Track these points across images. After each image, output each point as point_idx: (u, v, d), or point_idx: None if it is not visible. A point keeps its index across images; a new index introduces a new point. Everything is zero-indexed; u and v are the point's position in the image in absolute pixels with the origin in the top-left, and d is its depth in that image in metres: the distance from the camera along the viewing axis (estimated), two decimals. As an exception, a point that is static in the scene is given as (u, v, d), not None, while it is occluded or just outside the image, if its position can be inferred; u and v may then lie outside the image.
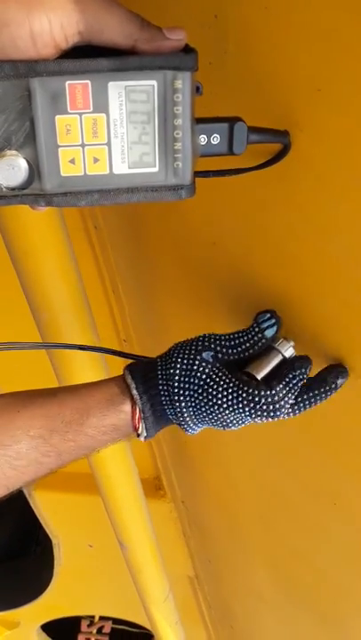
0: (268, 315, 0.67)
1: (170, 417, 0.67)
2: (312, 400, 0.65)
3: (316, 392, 0.64)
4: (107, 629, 3.17)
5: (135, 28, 0.45)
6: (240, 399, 0.63)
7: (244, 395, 0.63)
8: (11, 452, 0.60)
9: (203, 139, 0.52)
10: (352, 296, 0.64)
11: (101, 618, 3.12)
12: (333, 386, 0.65)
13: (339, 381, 0.65)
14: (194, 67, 0.47)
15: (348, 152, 0.54)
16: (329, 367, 0.67)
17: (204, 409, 0.64)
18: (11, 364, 1.31)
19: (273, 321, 0.67)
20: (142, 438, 0.66)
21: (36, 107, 0.45)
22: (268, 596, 1.51)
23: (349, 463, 0.81)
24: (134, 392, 0.65)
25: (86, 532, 2.14)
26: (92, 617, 3.14)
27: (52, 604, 2.62)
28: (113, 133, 0.47)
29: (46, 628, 2.94)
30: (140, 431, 0.65)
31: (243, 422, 0.65)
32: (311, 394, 0.64)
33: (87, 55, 0.45)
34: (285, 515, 1.14)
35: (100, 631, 3.20)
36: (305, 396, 0.64)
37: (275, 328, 0.67)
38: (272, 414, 0.63)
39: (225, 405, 0.63)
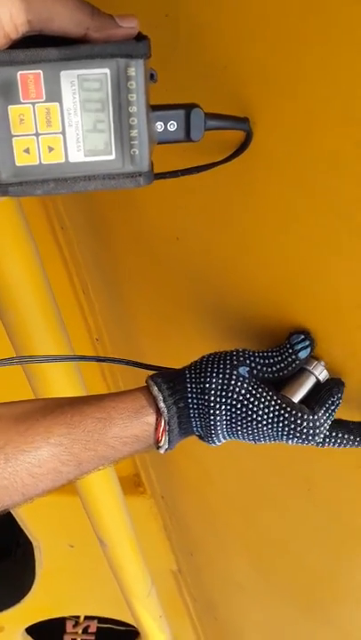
0: (303, 336, 0.67)
1: (194, 429, 0.66)
2: (343, 442, 0.64)
3: (351, 437, 0.64)
4: (92, 629, 3.17)
5: (86, 16, 0.44)
6: (282, 418, 0.62)
7: (287, 415, 0.62)
8: (30, 459, 0.59)
9: (159, 125, 0.52)
10: (309, 284, 0.65)
11: (86, 617, 3.11)
12: None
13: None
14: (146, 54, 0.47)
15: (300, 144, 0.55)
16: None
17: (240, 424, 0.63)
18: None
19: (307, 342, 0.66)
20: (162, 450, 0.65)
21: None
22: (250, 586, 1.53)
23: (321, 449, 0.83)
24: (161, 404, 0.63)
25: (66, 533, 2.14)
26: (77, 617, 3.13)
27: (36, 606, 2.61)
28: (67, 122, 0.47)
29: (31, 630, 2.93)
30: (161, 443, 0.64)
31: (275, 440, 0.64)
32: (346, 436, 0.64)
33: (39, 45, 0.45)
34: (262, 503, 1.15)
35: (85, 631, 3.19)
36: (340, 434, 0.64)
37: (308, 350, 0.66)
38: (310, 439, 0.63)
39: (264, 422, 0.62)
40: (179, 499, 1.67)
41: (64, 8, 0.44)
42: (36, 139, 0.47)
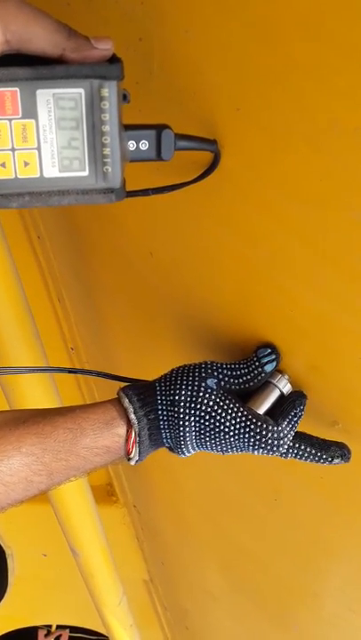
0: (269, 350, 0.69)
1: (164, 441, 0.67)
2: (305, 455, 0.66)
3: (313, 452, 0.66)
4: (64, 638, 3.14)
5: (63, 37, 0.46)
6: (248, 429, 0.64)
7: (252, 426, 0.64)
8: (2, 467, 0.60)
9: (132, 144, 0.54)
10: (274, 300, 0.68)
11: (58, 627, 3.08)
12: (330, 460, 0.66)
13: (336, 460, 0.66)
14: (119, 76, 0.49)
15: (265, 168, 0.58)
16: (339, 443, 0.67)
17: (208, 435, 0.65)
18: None
19: (273, 357, 0.68)
20: (133, 462, 0.66)
21: None
22: (221, 595, 1.54)
23: (286, 461, 0.85)
24: (132, 416, 0.65)
25: (40, 542, 2.13)
26: (49, 626, 3.10)
27: (8, 615, 2.58)
28: (42, 138, 0.49)
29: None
30: (132, 455, 0.65)
31: (242, 451, 0.66)
32: (309, 449, 0.66)
33: (17, 63, 0.46)
34: (231, 513, 1.16)
35: (57, 640, 3.17)
36: (303, 446, 0.66)
37: (274, 363, 0.68)
38: (274, 449, 0.65)
39: (231, 433, 0.64)
40: (151, 508, 1.67)
41: (42, 29, 0.45)
42: (12, 153, 0.49)
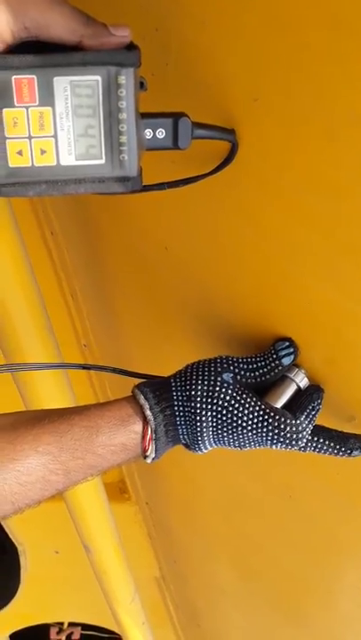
0: (287, 343, 0.68)
1: (181, 437, 0.67)
2: (324, 448, 0.66)
3: (332, 445, 0.66)
4: (76, 635, 3.15)
5: (80, 24, 0.46)
6: (266, 424, 0.63)
7: (270, 420, 0.63)
8: (19, 467, 0.60)
9: (148, 133, 0.54)
10: (290, 294, 0.67)
11: (70, 624, 3.09)
12: (349, 452, 0.66)
13: (355, 452, 0.66)
14: (136, 63, 0.48)
15: (284, 159, 0.57)
16: (358, 435, 0.67)
17: (226, 430, 0.64)
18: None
19: (291, 350, 0.68)
20: (149, 460, 0.66)
21: None
22: (233, 592, 1.53)
23: (302, 456, 0.85)
24: (148, 412, 0.64)
25: (52, 539, 2.13)
26: (61, 623, 3.11)
27: (20, 612, 2.59)
28: (59, 126, 0.49)
29: (15, 637, 2.91)
30: (148, 452, 0.65)
31: (260, 445, 0.66)
32: (328, 442, 0.66)
33: (35, 50, 0.46)
34: (245, 510, 1.16)
35: (69, 638, 3.17)
36: (322, 439, 0.66)
37: (292, 357, 0.68)
38: (293, 443, 0.64)
39: (249, 427, 0.64)
40: (163, 506, 1.67)
41: (60, 16, 0.46)
42: (29, 141, 0.49)
